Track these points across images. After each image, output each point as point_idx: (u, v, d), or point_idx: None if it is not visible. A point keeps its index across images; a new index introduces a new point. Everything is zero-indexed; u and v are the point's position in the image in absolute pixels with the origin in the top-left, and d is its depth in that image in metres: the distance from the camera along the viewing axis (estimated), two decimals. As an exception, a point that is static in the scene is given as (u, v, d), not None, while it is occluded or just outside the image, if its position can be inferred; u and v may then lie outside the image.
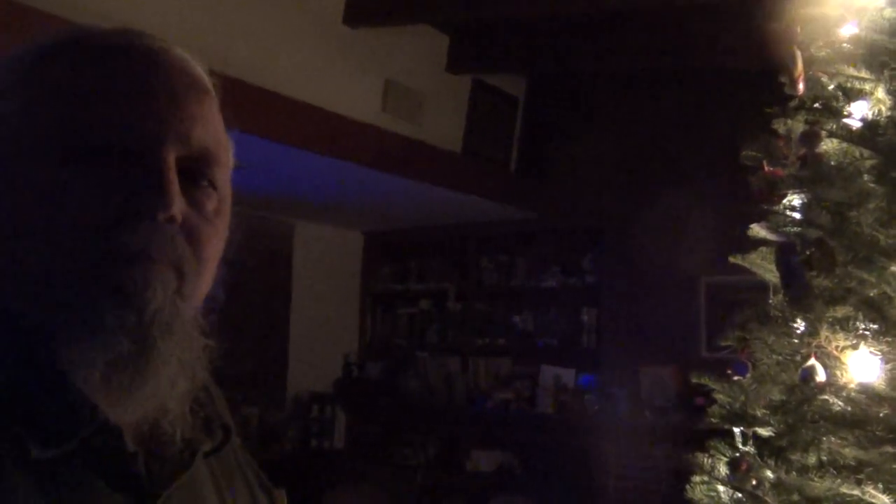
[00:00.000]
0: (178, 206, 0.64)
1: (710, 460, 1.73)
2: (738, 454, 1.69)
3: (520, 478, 5.24)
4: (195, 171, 0.67)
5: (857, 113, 1.64)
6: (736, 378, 1.76)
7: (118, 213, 0.62)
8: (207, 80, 0.71)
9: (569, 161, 5.27)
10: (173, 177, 0.64)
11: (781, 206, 1.72)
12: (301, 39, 3.98)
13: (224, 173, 0.71)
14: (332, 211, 5.56)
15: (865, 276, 1.54)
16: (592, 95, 5.36)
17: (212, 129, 0.69)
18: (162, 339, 0.63)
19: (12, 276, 0.63)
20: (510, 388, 5.52)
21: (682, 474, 1.83)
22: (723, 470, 1.71)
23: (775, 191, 1.72)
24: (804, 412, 1.54)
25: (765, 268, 1.79)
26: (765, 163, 1.77)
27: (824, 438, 1.50)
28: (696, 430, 1.89)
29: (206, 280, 0.69)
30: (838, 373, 1.53)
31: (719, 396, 1.76)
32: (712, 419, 1.75)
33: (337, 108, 4.11)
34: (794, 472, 1.52)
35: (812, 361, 1.55)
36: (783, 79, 1.73)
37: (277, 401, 5.54)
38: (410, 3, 4.18)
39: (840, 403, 1.50)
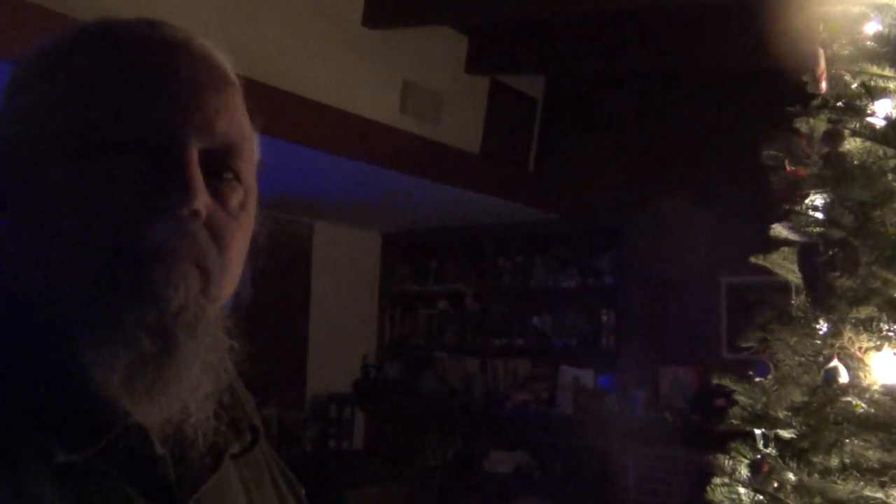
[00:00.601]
0: (202, 200, 0.62)
1: (730, 462, 1.72)
2: (759, 456, 1.68)
3: (538, 479, 5.22)
4: (219, 164, 0.65)
5: (881, 111, 1.62)
6: (757, 379, 1.74)
7: (139, 209, 0.60)
8: (231, 71, 0.69)
9: (587, 162, 5.26)
10: (196, 171, 0.62)
11: (803, 206, 1.70)
12: (320, 41, 4.00)
13: (249, 166, 0.69)
14: (350, 212, 5.58)
15: (889, 276, 1.52)
16: (611, 96, 5.34)
17: (235, 120, 0.67)
18: (185, 339, 0.61)
19: (32, 274, 0.62)
20: (529, 388, 5.51)
21: (703, 476, 1.81)
22: (744, 472, 1.69)
23: (797, 190, 1.71)
24: (827, 414, 1.53)
25: (786, 268, 1.78)
26: (787, 162, 1.75)
27: (847, 441, 1.48)
28: (716, 432, 1.88)
29: (231, 278, 0.67)
30: (861, 374, 1.52)
31: (740, 398, 1.75)
32: (733, 420, 1.74)
33: (356, 109, 4.12)
34: (816, 475, 1.51)
35: (835, 363, 1.54)
36: (806, 77, 1.72)
37: (296, 401, 5.56)
38: (429, 4, 4.19)
39: (863, 405, 1.49)
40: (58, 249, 0.61)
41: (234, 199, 0.67)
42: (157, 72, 0.63)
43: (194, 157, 0.62)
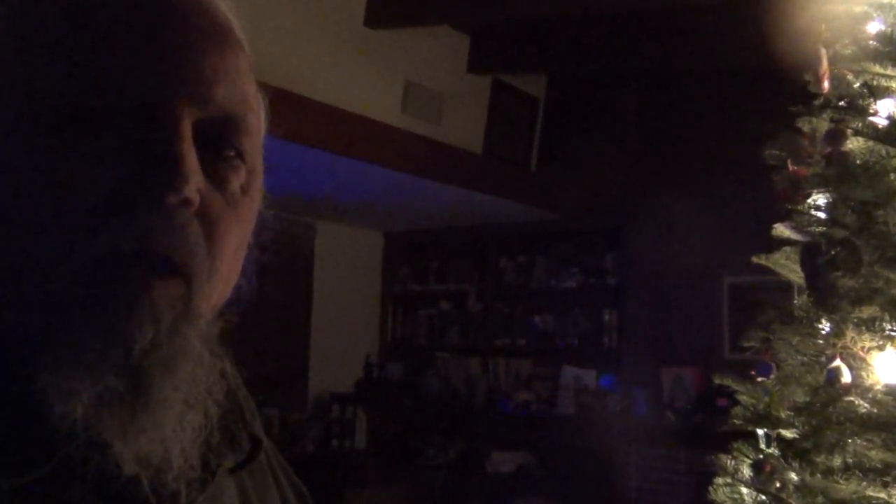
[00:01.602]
0: (195, 185, 0.49)
1: (733, 462, 1.72)
2: (761, 456, 1.68)
3: (540, 479, 5.22)
4: (218, 138, 0.53)
5: (884, 111, 1.62)
6: (759, 379, 1.74)
7: (115, 195, 0.48)
8: (237, 27, 0.56)
9: (589, 161, 5.25)
10: (189, 146, 0.49)
11: (806, 206, 1.70)
12: (322, 41, 4.00)
13: (254, 142, 0.57)
14: (352, 212, 5.58)
15: (892, 275, 1.52)
16: (613, 95, 5.34)
17: (239, 86, 0.54)
18: (160, 378, 0.49)
19: None
20: (531, 388, 5.51)
21: (705, 476, 1.81)
22: (746, 472, 1.69)
23: (799, 190, 1.71)
24: (829, 414, 1.53)
25: (789, 268, 1.77)
26: (789, 162, 1.75)
27: (850, 440, 1.48)
28: (718, 432, 1.88)
29: (223, 280, 0.55)
30: (864, 374, 1.52)
31: (743, 398, 1.74)
32: (735, 420, 1.74)
33: (357, 109, 4.12)
34: (818, 475, 1.51)
35: (837, 362, 1.53)
36: (808, 77, 1.72)
37: (298, 401, 5.56)
38: (431, 4, 4.19)
39: (866, 405, 1.49)
40: (17, 247, 0.49)
41: (235, 182, 0.55)
42: (141, 23, 0.50)
43: (186, 129, 0.50)
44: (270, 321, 5.09)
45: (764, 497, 1.66)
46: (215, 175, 0.53)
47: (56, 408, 0.46)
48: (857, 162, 1.60)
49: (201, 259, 0.51)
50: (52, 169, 0.48)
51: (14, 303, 0.49)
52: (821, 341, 1.61)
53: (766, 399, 1.68)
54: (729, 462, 1.72)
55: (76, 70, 0.48)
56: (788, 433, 1.64)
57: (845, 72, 1.68)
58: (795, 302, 1.74)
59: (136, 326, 0.47)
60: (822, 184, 1.65)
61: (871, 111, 1.63)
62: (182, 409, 0.51)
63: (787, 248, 1.77)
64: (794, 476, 1.59)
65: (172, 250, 0.49)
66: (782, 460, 1.61)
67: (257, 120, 0.58)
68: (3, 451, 0.47)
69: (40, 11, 0.51)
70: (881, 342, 1.50)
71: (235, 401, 0.62)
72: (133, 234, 0.48)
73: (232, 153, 0.54)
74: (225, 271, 0.55)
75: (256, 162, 0.57)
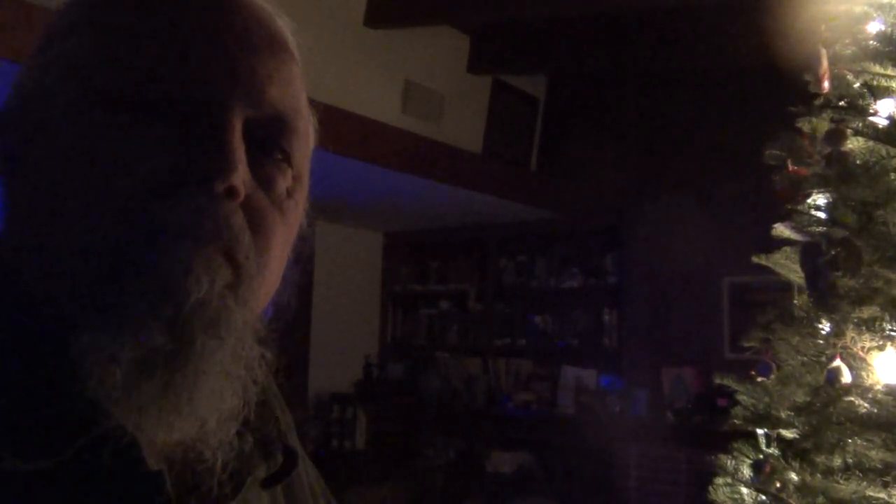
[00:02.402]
0: (241, 176, 0.51)
1: (733, 462, 1.72)
2: (761, 456, 1.68)
3: (540, 479, 5.22)
4: (267, 139, 0.55)
5: (884, 111, 1.62)
6: (759, 379, 1.74)
7: (164, 179, 0.50)
8: (291, 41, 0.59)
9: (589, 161, 5.25)
10: (238, 139, 0.52)
11: (806, 206, 1.70)
12: (322, 41, 4.00)
13: (303, 149, 0.59)
14: (352, 211, 5.58)
15: (892, 275, 1.52)
16: (613, 95, 5.34)
17: (290, 93, 0.57)
18: (204, 339, 0.49)
19: (30, 242, 0.52)
20: (531, 388, 5.51)
21: (705, 476, 1.81)
22: (746, 472, 1.69)
23: (799, 190, 1.71)
24: (829, 414, 1.52)
25: (789, 268, 1.77)
26: (789, 162, 1.75)
27: (850, 441, 1.48)
28: (718, 432, 1.88)
29: (268, 279, 0.56)
30: (864, 374, 1.52)
31: (742, 398, 1.74)
32: (735, 420, 1.74)
33: (357, 109, 4.12)
34: (818, 475, 1.51)
35: (837, 362, 1.53)
36: (808, 77, 1.72)
37: (298, 401, 5.56)
38: (431, 4, 4.19)
39: (866, 405, 1.48)
40: (64, 217, 0.51)
41: (282, 184, 0.56)
42: (204, 23, 0.53)
43: (236, 123, 0.52)
44: (270, 321, 5.08)
45: (764, 497, 1.65)
46: (262, 174, 0.55)
47: (94, 374, 0.47)
48: (857, 162, 1.60)
49: (247, 248, 0.52)
50: (109, 147, 0.50)
51: (60, 267, 0.49)
52: (821, 341, 1.61)
53: (766, 399, 1.68)
54: (729, 462, 1.72)
55: (142, 61, 0.51)
56: (788, 433, 1.64)
57: (845, 72, 1.68)
58: (795, 302, 1.74)
59: (194, 279, 0.49)
60: (822, 184, 1.65)
61: (871, 111, 1.63)
62: (221, 380, 0.51)
63: (787, 248, 1.77)
64: (794, 476, 1.59)
65: (218, 233, 0.50)
66: (782, 460, 1.61)
67: (307, 129, 0.60)
68: (25, 432, 0.47)
69: (112, 9, 0.54)
70: (881, 342, 1.50)
71: (271, 410, 0.61)
72: (183, 211, 0.49)
73: (280, 156, 0.56)
74: (273, 269, 0.56)
75: (303, 169, 0.59)
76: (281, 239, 0.56)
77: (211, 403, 0.51)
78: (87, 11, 0.56)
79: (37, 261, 0.51)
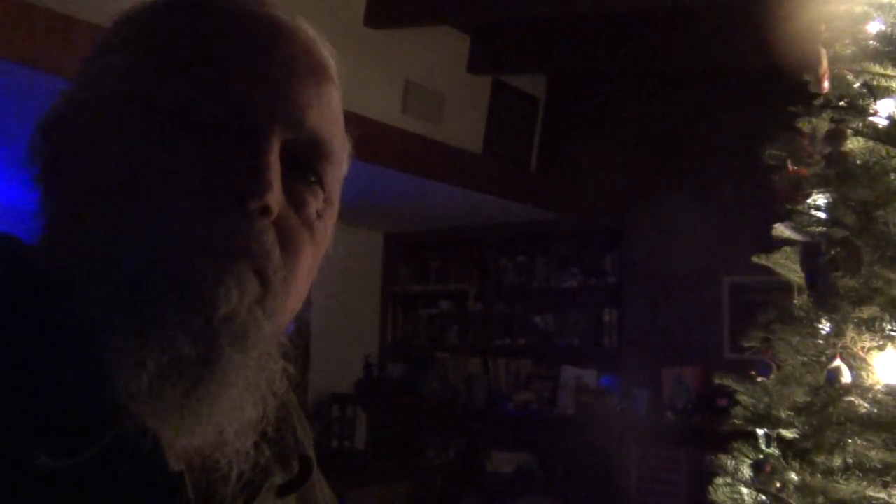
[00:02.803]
0: (275, 196, 0.53)
1: (733, 462, 1.72)
2: (761, 456, 1.68)
3: (540, 479, 5.22)
4: (302, 162, 0.57)
5: (884, 111, 1.62)
6: (760, 379, 1.74)
7: (201, 195, 0.52)
8: (333, 68, 0.62)
9: (589, 161, 5.26)
10: (274, 161, 0.54)
11: (806, 206, 1.70)
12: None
13: (336, 174, 0.61)
14: (352, 211, 5.57)
15: (892, 275, 1.52)
16: (613, 95, 5.34)
17: (328, 119, 0.59)
18: (231, 351, 0.51)
19: (68, 247, 0.53)
20: (530, 388, 5.51)
21: (705, 476, 1.81)
22: (746, 472, 1.69)
23: (799, 190, 1.71)
24: (829, 414, 1.52)
25: (789, 268, 1.77)
26: (789, 162, 1.75)
27: (850, 440, 1.48)
28: (718, 432, 1.88)
29: (295, 296, 0.58)
30: (864, 374, 1.52)
31: (743, 398, 1.74)
32: (735, 420, 1.74)
33: (357, 108, 4.11)
34: (818, 475, 1.51)
35: (837, 362, 1.53)
36: (808, 76, 1.72)
37: (298, 401, 5.55)
38: (431, 4, 4.19)
39: (866, 405, 1.48)
40: (104, 225, 0.52)
41: (313, 206, 0.58)
42: (250, 47, 0.56)
43: (274, 145, 0.54)
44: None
45: (764, 497, 1.65)
46: (295, 195, 0.57)
47: (121, 378, 0.48)
48: (857, 162, 1.60)
49: (277, 266, 0.54)
50: (151, 161, 0.52)
51: (96, 274, 0.51)
52: (821, 341, 1.61)
53: (766, 399, 1.68)
54: (729, 462, 1.72)
55: (189, 80, 0.54)
56: (788, 433, 1.64)
57: (845, 72, 1.68)
58: (795, 302, 1.73)
59: (224, 293, 0.51)
60: (822, 184, 1.65)
61: (871, 111, 1.63)
62: (243, 391, 0.53)
63: (787, 248, 1.77)
64: (794, 476, 1.59)
65: (250, 250, 0.52)
66: (782, 460, 1.61)
67: (342, 155, 0.62)
68: (51, 431, 0.48)
69: (163, 25, 0.57)
70: (881, 342, 1.50)
71: (289, 420, 0.63)
72: (218, 227, 0.51)
73: (313, 178, 0.58)
74: (299, 287, 0.58)
75: (334, 193, 0.61)
76: (309, 258, 0.59)
77: (231, 413, 0.52)
78: (141, 27, 0.58)
79: (73, 264, 0.52)
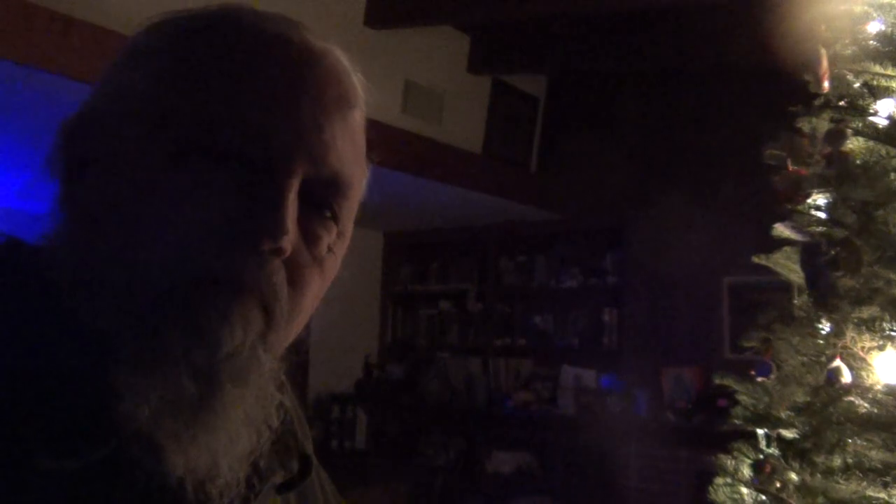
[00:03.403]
0: (291, 237, 0.53)
1: (733, 462, 1.72)
2: (761, 456, 1.68)
3: (540, 479, 5.22)
4: (320, 198, 0.57)
5: (884, 111, 1.62)
6: (759, 379, 1.74)
7: (217, 230, 0.51)
8: (359, 93, 0.61)
9: (589, 161, 5.25)
10: (292, 202, 0.53)
11: (806, 206, 1.70)
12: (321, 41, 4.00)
13: (351, 206, 0.61)
14: (352, 212, 5.58)
15: (892, 275, 1.52)
16: (613, 96, 5.34)
17: (351, 153, 0.59)
18: (231, 388, 0.52)
19: (88, 266, 0.53)
20: (531, 388, 5.50)
21: (705, 476, 1.81)
22: (746, 472, 1.69)
23: (799, 190, 1.70)
24: (829, 414, 1.52)
25: (789, 268, 1.77)
26: (789, 162, 1.75)
27: (850, 440, 1.48)
28: (718, 432, 1.87)
29: (296, 327, 0.59)
30: (864, 374, 1.52)
31: (743, 398, 1.74)
32: (735, 420, 1.74)
33: (357, 108, 4.12)
34: (818, 475, 1.51)
35: (837, 362, 1.53)
36: (808, 77, 1.71)
37: (298, 401, 5.54)
38: (431, 4, 4.19)
39: (866, 405, 1.48)
40: (116, 242, 0.52)
41: (325, 241, 0.58)
42: (280, 76, 0.55)
43: (294, 184, 0.54)
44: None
45: (764, 497, 1.65)
46: (309, 231, 0.57)
47: (123, 407, 0.49)
48: (857, 162, 1.60)
49: (283, 303, 0.55)
50: (170, 188, 0.52)
51: (107, 304, 0.51)
52: (821, 341, 1.61)
53: (766, 399, 1.68)
54: (729, 462, 1.72)
55: (214, 108, 0.53)
56: (788, 433, 1.64)
57: (845, 72, 1.68)
58: (795, 302, 1.73)
59: (228, 330, 0.51)
60: (822, 184, 1.65)
61: (871, 111, 1.63)
62: (240, 426, 0.53)
63: (787, 248, 1.77)
64: (794, 476, 1.59)
65: (259, 288, 0.53)
66: (782, 460, 1.61)
67: (359, 186, 0.62)
68: (56, 434, 0.49)
69: (193, 45, 0.56)
70: (881, 342, 1.50)
71: (290, 420, 0.64)
72: (231, 265, 0.52)
73: (329, 215, 0.58)
74: (302, 318, 0.59)
75: (347, 227, 0.61)
76: (314, 293, 0.59)
77: (227, 447, 0.53)
78: (171, 41, 0.56)
79: (84, 275, 0.52)
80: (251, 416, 0.54)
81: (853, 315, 1.53)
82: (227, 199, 0.52)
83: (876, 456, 1.44)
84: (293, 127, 0.54)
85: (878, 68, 1.58)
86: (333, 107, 0.57)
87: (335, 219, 0.59)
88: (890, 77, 1.58)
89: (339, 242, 0.60)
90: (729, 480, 1.71)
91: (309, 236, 0.57)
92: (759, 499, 1.67)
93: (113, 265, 0.52)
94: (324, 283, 0.60)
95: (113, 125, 0.55)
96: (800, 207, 1.70)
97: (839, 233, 1.59)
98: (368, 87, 0.63)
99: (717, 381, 1.84)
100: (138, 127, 0.54)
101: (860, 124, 1.61)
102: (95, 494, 0.49)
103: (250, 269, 0.52)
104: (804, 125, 1.76)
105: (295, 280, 0.55)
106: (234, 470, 0.54)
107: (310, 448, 0.66)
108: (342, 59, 0.61)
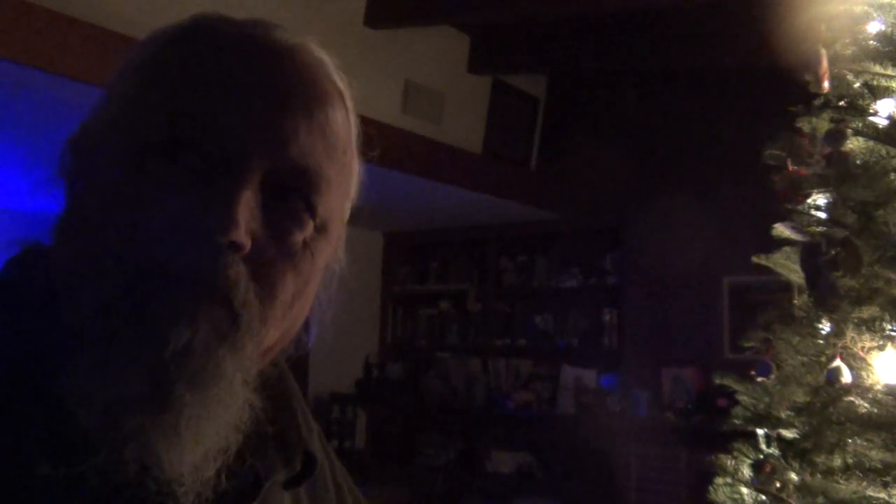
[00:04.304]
0: (245, 229, 0.52)
1: (733, 462, 1.72)
2: (761, 456, 1.68)
3: (540, 479, 5.22)
4: (287, 191, 0.56)
5: (884, 111, 1.62)
6: (759, 379, 1.74)
7: (173, 226, 0.51)
8: (339, 88, 0.62)
9: (589, 161, 5.25)
10: (245, 194, 0.53)
11: (806, 206, 1.70)
12: (321, 41, 4.00)
13: (331, 201, 0.60)
14: (352, 211, 5.57)
15: (892, 275, 1.52)
16: (613, 96, 5.34)
17: (321, 146, 0.58)
18: (184, 390, 0.50)
19: (64, 267, 0.55)
20: (530, 388, 5.50)
21: (705, 476, 1.81)
22: (746, 472, 1.69)
23: (799, 190, 1.71)
24: (829, 414, 1.52)
25: (789, 268, 1.77)
26: (789, 162, 1.75)
27: (850, 440, 1.48)
28: (718, 432, 1.88)
29: (279, 326, 0.57)
30: (864, 374, 1.52)
31: (743, 398, 1.74)
32: (735, 420, 1.74)
33: (357, 109, 4.11)
34: (818, 475, 1.51)
35: (837, 362, 1.53)
36: (808, 77, 1.71)
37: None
38: (431, 3, 4.19)
39: (866, 405, 1.48)
40: (82, 250, 0.53)
41: (297, 236, 0.57)
42: (239, 76, 0.55)
43: (251, 178, 0.53)
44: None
45: (764, 497, 1.65)
46: (277, 225, 0.56)
47: (77, 412, 0.49)
48: (857, 162, 1.60)
49: (248, 299, 0.53)
50: (133, 187, 0.53)
51: (71, 298, 0.52)
52: (821, 341, 1.61)
53: (766, 399, 1.68)
54: (729, 462, 1.72)
55: (174, 109, 0.54)
56: (788, 433, 1.64)
57: (845, 72, 1.68)
58: (795, 302, 1.74)
59: (175, 329, 0.49)
60: (822, 184, 1.65)
61: (871, 111, 1.63)
62: (204, 428, 0.52)
63: (787, 248, 1.77)
64: (794, 476, 1.59)
65: (214, 284, 0.51)
66: (782, 460, 1.61)
67: (344, 180, 0.62)
68: (53, 440, 0.49)
69: (169, 54, 0.57)
70: (881, 342, 1.50)
71: (293, 416, 0.64)
72: (183, 258, 0.51)
73: (301, 206, 0.57)
74: (279, 318, 0.57)
75: (330, 221, 0.60)
76: (291, 289, 0.57)
77: (187, 445, 0.51)
78: (152, 52, 0.58)
79: (62, 276, 0.54)
80: (213, 417, 0.52)
81: (853, 315, 1.53)
82: (184, 196, 0.52)
83: (876, 456, 1.44)
84: (248, 120, 0.54)
85: (878, 68, 1.59)
86: (297, 100, 0.57)
87: (311, 213, 0.58)
88: (890, 77, 1.58)
89: (319, 238, 0.59)
90: (729, 480, 1.71)
91: (277, 230, 0.56)
92: (759, 499, 1.67)
93: (80, 268, 0.53)
94: (302, 282, 0.58)
95: (97, 134, 0.58)
96: (800, 207, 1.70)
97: (839, 233, 1.59)
98: (353, 82, 0.64)
99: (717, 381, 1.84)
100: (114, 135, 0.56)
101: (860, 124, 1.61)
102: (96, 496, 0.49)
103: (204, 264, 0.51)
104: (804, 125, 1.76)
105: (262, 275, 0.54)
106: (200, 469, 0.52)
107: (315, 443, 0.65)
108: (317, 54, 0.61)
